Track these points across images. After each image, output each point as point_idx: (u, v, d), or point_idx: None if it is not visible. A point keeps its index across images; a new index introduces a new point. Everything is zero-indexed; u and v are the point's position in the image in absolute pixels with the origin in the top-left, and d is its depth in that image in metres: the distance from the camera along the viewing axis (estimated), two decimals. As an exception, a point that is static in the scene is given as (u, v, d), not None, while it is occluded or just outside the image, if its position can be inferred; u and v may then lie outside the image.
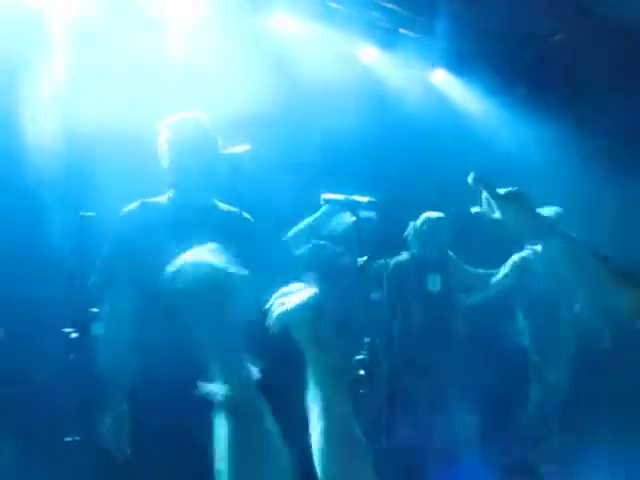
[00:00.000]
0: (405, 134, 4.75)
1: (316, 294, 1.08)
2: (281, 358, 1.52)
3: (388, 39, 4.86)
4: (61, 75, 2.99)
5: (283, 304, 1.07)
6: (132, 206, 2.00)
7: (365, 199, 2.17)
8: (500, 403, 4.01)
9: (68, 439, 2.13)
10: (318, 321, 1.04)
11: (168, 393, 1.82)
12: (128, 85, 3.29)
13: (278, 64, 4.15)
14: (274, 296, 1.11)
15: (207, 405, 0.87)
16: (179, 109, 2.15)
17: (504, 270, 3.86)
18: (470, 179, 1.19)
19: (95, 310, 2.02)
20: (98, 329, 1.99)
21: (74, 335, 2.11)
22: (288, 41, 4.33)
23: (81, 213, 2.10)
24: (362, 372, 2.08)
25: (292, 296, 1.08)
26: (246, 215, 2.01)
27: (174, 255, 1.78)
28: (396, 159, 4.65)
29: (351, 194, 2.17)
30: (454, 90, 5.31)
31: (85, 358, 2.08)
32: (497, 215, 1.15)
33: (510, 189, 1.16)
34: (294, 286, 1.12)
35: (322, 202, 2.23)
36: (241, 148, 1.86)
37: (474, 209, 1.23)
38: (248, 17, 4.11)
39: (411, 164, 4.63)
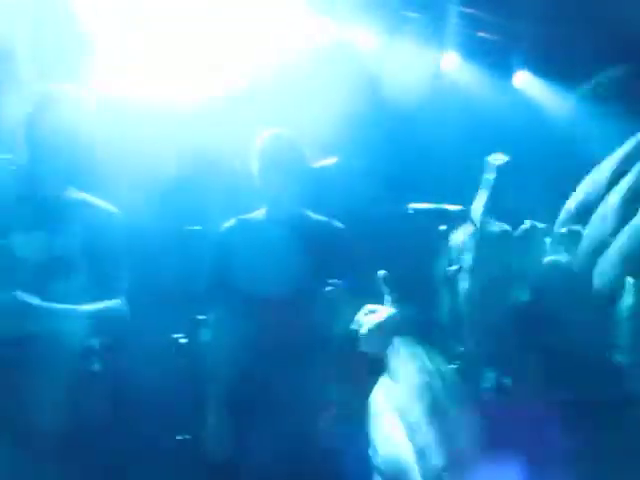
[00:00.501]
0: (492, 142, 4.67)
1: (396, 314, 1.09)
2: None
3: (469, 45, 4.82)
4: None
5: (371, 323, 1.08)
6: (230, 222, 2.14)
7: (456, 208, 2.19)
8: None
9: (179, 437, 2.28)
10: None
11: (263, 397, 1.91)
12: (218, 103, 3.51)
13: (361, 78, 4.25)
14: (361, 314, 1.11)
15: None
16: (267, 125, 2.26)
17: None
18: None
19: (202, 317, 2.15)
20: (205, 336, 2.14)
21: (183, 341, 2.27)
22: (369, 55, 4.43)
23: (187, 227, 2.23)
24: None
25: (376, 315, 1.09)
26: (338, 224, 2.05)
27: (268, 268, 1.91)
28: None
29: (440, 203, 2.20)
30: (539, 93, 5.17)
31: (193, 362, 2.23)
32: None
33: None
34: (377, 306, 1.13)
35: (410, 212, 2.27)
36: (328, 161, 1.92)
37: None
38: (329, 34, 4.25)
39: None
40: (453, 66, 4.82)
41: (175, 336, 2.33)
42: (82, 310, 1.62)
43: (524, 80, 5.09)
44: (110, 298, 1.69)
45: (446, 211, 2.19)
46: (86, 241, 1.64)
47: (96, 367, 1.78)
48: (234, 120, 3.18)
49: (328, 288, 1.90)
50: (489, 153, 4.57)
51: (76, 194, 1.80)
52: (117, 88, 3.19)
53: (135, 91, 3.29)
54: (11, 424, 1.57)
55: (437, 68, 4.78)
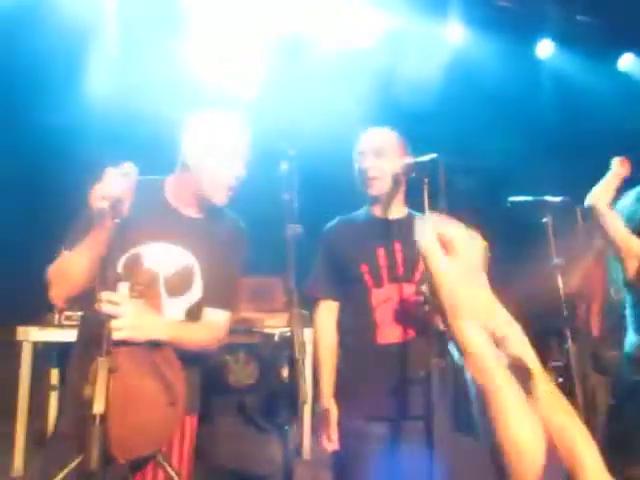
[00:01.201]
0: (594, 129, 4.52)
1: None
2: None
3: (563, 30, 4.67)
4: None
5: None
6: (334, 222, 2.22)
7: (557, 199, 2.17)
8: None
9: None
10: None
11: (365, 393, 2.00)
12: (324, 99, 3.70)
13: (456, 72, 4.27)
14: None
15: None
16: (369, 123, 2.31)
17: None
18: None
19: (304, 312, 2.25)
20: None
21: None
22: (463, 47, 4.44)
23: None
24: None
25: None
26: None
27: (374, 267, 2.00)
28: (584, 157, 4.44)
29: (541, 195, 2.20)
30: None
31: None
32: None
33: None
34: None
35: (509, 204, 2.27)
36: (428, 157, 1.93)
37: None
38: (423, 31, 4.30)
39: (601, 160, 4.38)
40: (547, 51, 4.69)
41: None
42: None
43: (629, 63, 4.86)
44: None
45: (547, 202, 2.18)
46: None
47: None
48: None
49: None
50: (591, 138, 4.47)
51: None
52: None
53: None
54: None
55: (531, 55, 4.69)
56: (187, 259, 1.73)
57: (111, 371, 1.29)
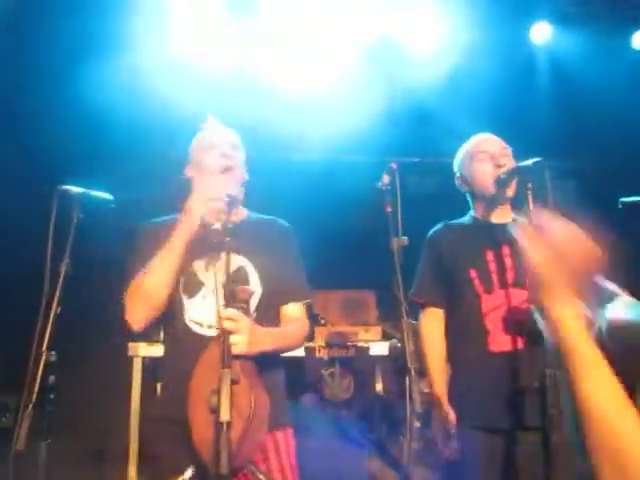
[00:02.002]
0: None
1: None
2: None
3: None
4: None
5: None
6: (438, 227, 2.21)
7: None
8: None
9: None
10: None
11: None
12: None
13: (543, 71, 4.15)
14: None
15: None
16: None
17: None
18: None
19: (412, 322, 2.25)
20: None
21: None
22: (548, 47, 4.30)
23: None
24: None
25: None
26: None
27: (484, 272, 1.98)
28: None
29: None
30: None
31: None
32: None
33: None
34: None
35: (621, 206, 2.17)
36: (532, 161, 1.88)
37: None
38: (508, 30, 4.21)
39: None
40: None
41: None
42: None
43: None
44: None
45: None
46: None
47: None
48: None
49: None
50: None
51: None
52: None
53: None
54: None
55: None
56: (238, 261, 1.75)
57: (233, 382, 1.35)
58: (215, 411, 1.33)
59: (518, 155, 2.13)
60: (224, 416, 1.30)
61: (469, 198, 2.23)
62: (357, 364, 4.14)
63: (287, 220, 1.98)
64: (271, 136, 4.06)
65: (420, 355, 2.07)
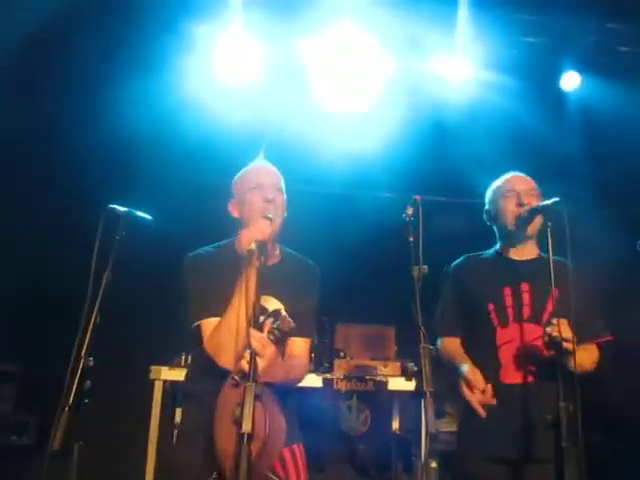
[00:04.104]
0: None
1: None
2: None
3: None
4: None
5: None
6: (460, 260, 2.31)
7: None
8: None
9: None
10: None
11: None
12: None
13: (570, 119, 4.24)
14: None
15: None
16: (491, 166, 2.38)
17: None
18: None
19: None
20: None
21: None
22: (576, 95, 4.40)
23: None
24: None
25: None
26: (567, 262, 1.95)
27: (500, 306, 2.04)
28: None
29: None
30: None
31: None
32: None
33: None
34: None
35: (638, 248, 2.22)
36: (552, 200, 1.96)
37: None
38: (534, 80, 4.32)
39: None
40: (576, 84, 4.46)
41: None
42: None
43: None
44: None
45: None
46: None
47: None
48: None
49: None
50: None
51: None
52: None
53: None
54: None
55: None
56: (276, 305, 1.85)
57: (257, 397, 1.43)
58: (238, 422, 1.39)
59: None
60: (246, 427, 1.37)
61: (497, 233, 2.31)
62: (375, 399, 4.15)
63: (312, 254, 2.09)
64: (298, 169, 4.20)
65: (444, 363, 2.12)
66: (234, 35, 3.81)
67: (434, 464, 4.05)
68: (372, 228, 3.98)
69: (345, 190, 4.60)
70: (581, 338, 1.96)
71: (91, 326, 1.53)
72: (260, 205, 1.85)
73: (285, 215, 1.96)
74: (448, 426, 3.65)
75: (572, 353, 1.81)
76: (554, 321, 1.84)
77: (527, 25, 4.24)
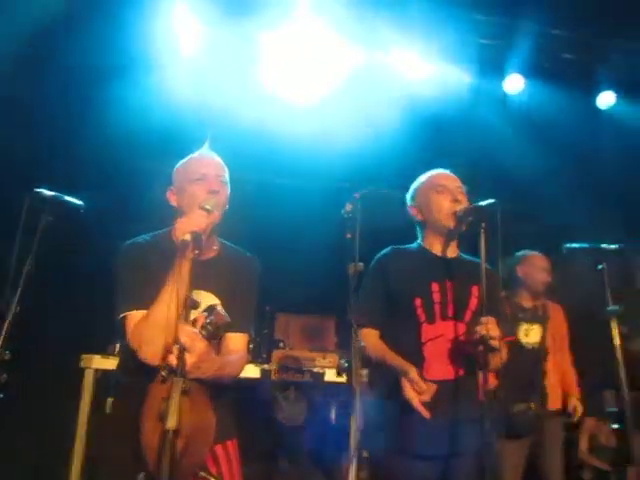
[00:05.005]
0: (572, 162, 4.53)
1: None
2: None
3: (624, 80, 4.67)
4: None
5: None
6: (386, 251, 2.27)
7: (612, 247, 2.19)
8: None
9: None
10: None
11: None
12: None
13: (512, 121, 4.37)
14: None
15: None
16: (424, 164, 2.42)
17: None
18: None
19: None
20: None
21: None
22: (522, 98, 4.53)
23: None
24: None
25: None
26: (491, 268, 2.07)
27: (428, 302, 2.06)
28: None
29: (597, 243, 2.22)
30: (624, 113, 4.80)
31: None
32: None
33: None
34: None
35: (565, 251, 2.30)
36: (487, 202, 2.00)
37: None
38: (482, 80, 4.42)
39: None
40: (609, 102, 4.66)
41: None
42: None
43: (608, 101, 4.75)
44: None
45: (602, 250, 2.20)
46: None
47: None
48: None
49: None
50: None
51: None
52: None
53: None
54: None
55: (593, 106, 4.69)
56: (211, 300, 1.82)
57: (184, 393, 1.40)
58: (163, 418, 1.36)
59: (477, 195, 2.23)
60: (170, 424, 1.34)
61: (418, 228, 2.32)
62: (313, 390, 4.17)
63: (254, 243, 2.05)
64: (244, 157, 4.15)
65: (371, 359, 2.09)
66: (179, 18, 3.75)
67: (366, 454, 4.15)
68: (315, 218, 3.97)
69: (289, 180, 4.58)
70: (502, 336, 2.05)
71: (9, 318, 1.45)
72: (202, 196, 1.80)
73: (226, 208, 1.92)
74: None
75: (499, 351, 1.88)
76: (484, 319, 1.89)
77: (481, 26, 4.34)
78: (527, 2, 4.13)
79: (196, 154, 1.96)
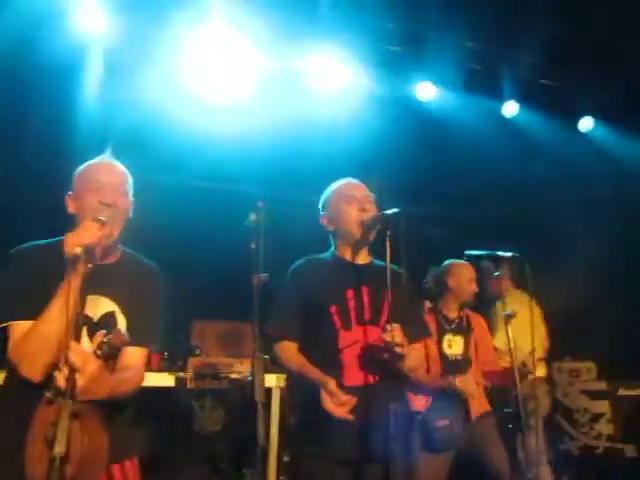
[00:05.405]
0: (556, 185, 4.80)
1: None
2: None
3: (528, 92, 4.94)
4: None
5: None
6: (301, 262, 2.29)
7: (508, 254, 2.30)
8: None
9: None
10: None
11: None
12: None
13: (424, 127, 4.50)
14: None
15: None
16: (337, 175, 2.43)
17: None
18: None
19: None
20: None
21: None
22: (432, 105, 4.68)
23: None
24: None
25: None
26: (400, 270, 2.15)
27: (343, 309, 2.08)
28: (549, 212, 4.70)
29: (495, 250, 2.32)
30: (605, 138, 5.20)
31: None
32: None
33: None
34: None
35: (465, 257, 2.39)
36: (392, 210, 2.05)
37: None
38: (394, 87, 4.54)
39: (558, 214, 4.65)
40: (512, 111, 4.92)
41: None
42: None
43: (589, 125, 5.13)
44: None
45: (499, 257, 2.31)
46: None
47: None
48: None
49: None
50: (552, 192, 4.77)
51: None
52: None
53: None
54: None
55: (498, 114, 4.93)
56: (109, 307, 1.75)
57: (74, 416, 1.32)
58: (50, 444, 1.29)
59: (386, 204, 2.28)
60: (59, 449, 1.27)
61: (331, 237, 2.34)
62: (230, 396, 4.11)
63: (168, 248, 1.97)
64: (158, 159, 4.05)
65: (286, 370, 2.14)
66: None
67: (287, 458, 4.12)
68: (228, 222, 3.90)
69: (205, 182, 4.50)
70: (415, 338, 2.14)
71: None
72: (97, 207, 1.71)
73: (129, 217, 1.83)
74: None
75: (404, 357, 1.92)
76: (388, 327, 1.93)
77: (391, 34, 4.45)
78: (438, 13, 4.28)
79: (95, 161, 1.85)
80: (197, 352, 4.01)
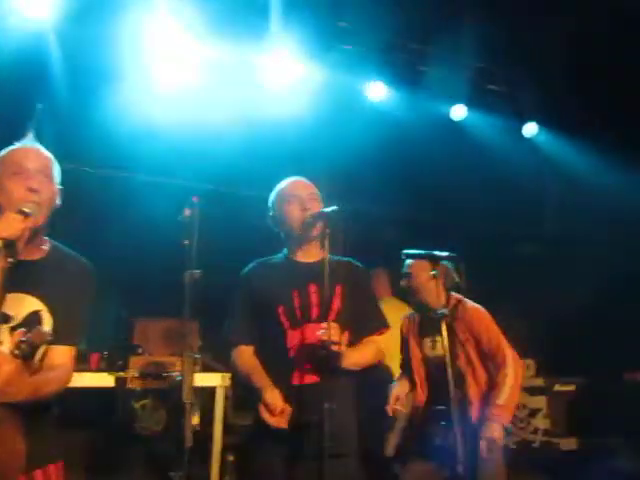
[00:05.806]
0: (501, 188, 4.92)
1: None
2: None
3: (476, 96, 5.05)
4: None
5: None
6: (251, 265, 2.30)
7: (444, 254, 2.34)
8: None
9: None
10: None
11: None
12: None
13: (373, 127, 4.53)
14: None
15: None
16: (286, 172, 2.41)
17: None
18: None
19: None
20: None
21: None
22: (381, 105, 4.72)
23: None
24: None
25: None
26: (357, 263, 2.24)
27: (289, 309, 2.08)
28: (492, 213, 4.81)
29: (431, 250, 2.36)
30: (549, 143, 5.38)
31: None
32: None
33: None
34: None
35: (403, 257, 2.42)
36: (331, 208, 2.07)
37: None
38: (343, 85, 4.55)
39: (505, 217, 4.77)
40: (460, 114, 5.02)
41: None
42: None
43: (533, 130, 5.28)
44: None
45: (435, 256, 2.34)
46: None
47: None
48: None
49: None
50: (497, 195, 4.90)
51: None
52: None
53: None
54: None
55: (445, 116, 5.03)
56: (35, 306, 1.67)
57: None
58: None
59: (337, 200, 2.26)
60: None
61: (282, 236, 2.33)
62: (173, 396, 4.02)
63: (110, 241, 1.90)
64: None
65: (240, 379, 2.14)
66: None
67: (231, 457, 4.08)
68: (170, 217, 3.82)
69: (143, 175, 4.40)
70: (369, 331, 2.20)
71: None
72: (20, 195, 1.61)
73: (56, 205, 1.73)
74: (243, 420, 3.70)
75: (340, 355, 1.92)
76: (324, 325, 1.93)
77: (343, 33, 4.47)
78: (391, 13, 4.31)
79: (16, 145, 1.74)
80: (139, 351, 3.90)
